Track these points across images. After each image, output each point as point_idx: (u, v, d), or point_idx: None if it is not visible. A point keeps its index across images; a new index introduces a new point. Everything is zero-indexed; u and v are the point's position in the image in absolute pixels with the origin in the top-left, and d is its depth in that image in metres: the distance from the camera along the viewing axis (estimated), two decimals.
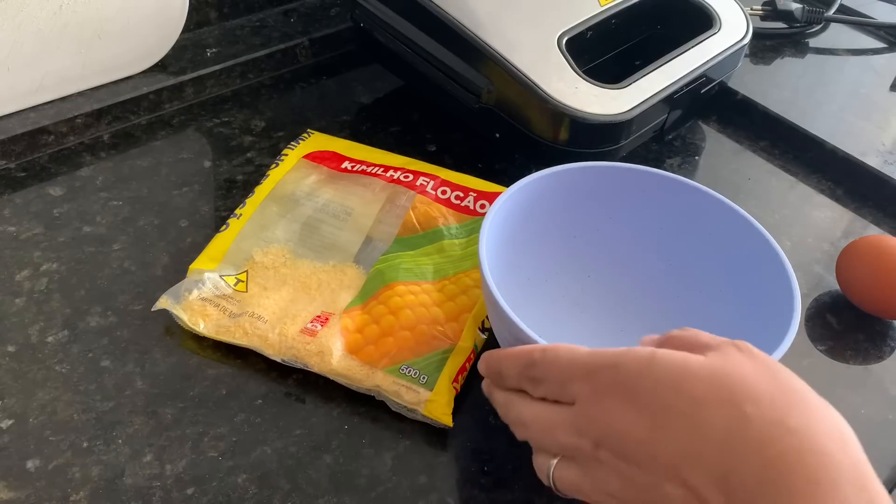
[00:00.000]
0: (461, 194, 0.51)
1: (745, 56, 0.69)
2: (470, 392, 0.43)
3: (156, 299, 0.45)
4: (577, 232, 0.47)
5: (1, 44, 0.52)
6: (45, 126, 0.55)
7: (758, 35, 0.73)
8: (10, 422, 0.40)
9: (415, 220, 0.49)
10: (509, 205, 0.43)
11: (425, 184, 0.51)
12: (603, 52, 0.58)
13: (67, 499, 0.37)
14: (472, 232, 0.49)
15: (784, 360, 0.47)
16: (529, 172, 0.46)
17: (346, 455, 0.40)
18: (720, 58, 0.57)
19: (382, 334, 0.43)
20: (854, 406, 0.45)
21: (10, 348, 0.43)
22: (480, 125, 0.56)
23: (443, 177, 0.52)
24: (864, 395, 0.45)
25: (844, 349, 0.48)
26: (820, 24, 0.76)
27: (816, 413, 0.28)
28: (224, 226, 0.49)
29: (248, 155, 0.57)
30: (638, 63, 0.54)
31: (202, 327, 0.43)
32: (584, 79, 0.51)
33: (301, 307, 0.44)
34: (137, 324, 0.45)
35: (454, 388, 0.41)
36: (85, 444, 0.39)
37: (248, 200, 0.51)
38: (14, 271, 0.47)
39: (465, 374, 0.43)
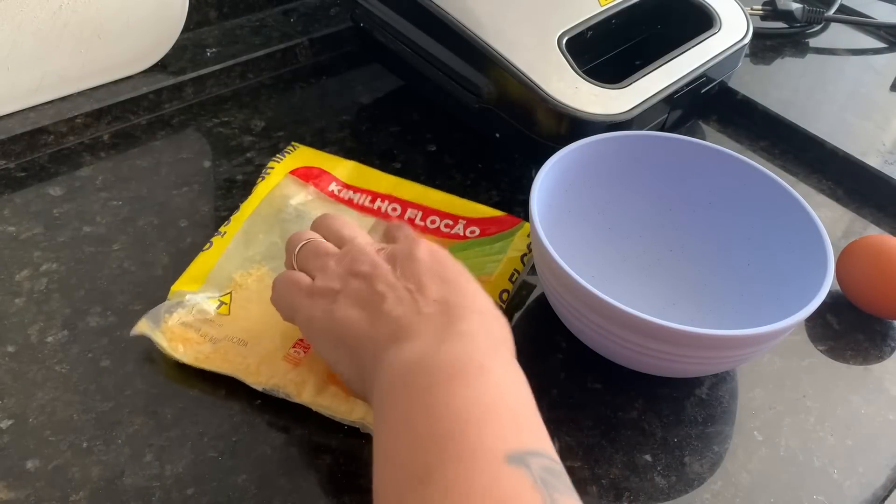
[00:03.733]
0: (450, 222, 0.50)
1: (745, 56, 0.69)
2: None
3: (156, 299, 0.45)
4: (614, 199, 0.50)
5: (1, 44, 0.52)
6: (44, 126, 0.55)
7: (758, 35, 0.73)
8: (10, 422, 0.40)
9: None
10: (559, 167, 0.46)
11: (413, 216, 0.50)
12: (603, 52, 0.58)
13: (67, 499, 0.37)
14: (459, 249, 0.48)
15: (784, 361, 0.47)
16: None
17: (346, 455, 0.40)
18: (720, 58, 0.57)
19: None
20: (854, 406, 0.45)
21: (10, 348, 0.43)
22: (480, 125, 0.56)
23: (430, 205, 0.51)
24: (864, 395, 0.45)
25: (844, 349, 0.48)
26: (820, 24, 0.76)
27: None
28: (207, 244, 0.47)
29: (248, 155, 0.57)
30: (638, 63, 0.54)
31: (181, 353, 0.42)
32: (584, 79, 0.51)
33: (284, 330, 0.43)
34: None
35: None
36: (85, 444, 0.39)
37: (233, 217, 0.49)
38: (14, 271, 0.47)
39: None
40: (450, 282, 0.37)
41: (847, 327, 0.49)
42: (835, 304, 0.50)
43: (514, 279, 0.47)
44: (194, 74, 0.61)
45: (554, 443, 0.41)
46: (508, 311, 0.47)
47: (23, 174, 0.54)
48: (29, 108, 0.56)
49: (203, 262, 0.46)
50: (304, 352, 0.42)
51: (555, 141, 0.50)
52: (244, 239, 0.48)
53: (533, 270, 0.49)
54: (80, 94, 0.58)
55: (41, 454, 0.39)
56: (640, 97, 0.52)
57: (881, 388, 0.46)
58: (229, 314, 0.44)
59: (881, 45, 0.75)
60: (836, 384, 0.46)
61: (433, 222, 0.50)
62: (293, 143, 0.55)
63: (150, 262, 0.48)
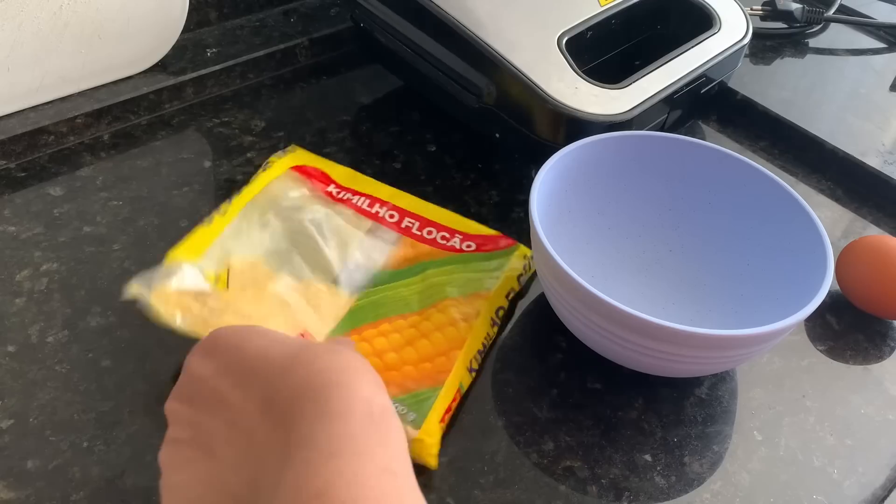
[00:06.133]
0: (447, 235, 0.49)
1: (745, 56, 0.70)
2: (470, 393, 0.43)
3: None
4: (614, 199, 0.50)
5: (1, 44, 0.52)
6: (45, 126, 0.55)
7: (758, 35, 0.73)
8: (10, 422, 0.40)
9: (399, 257, 0.48)
10: (559, 166, 0.46)
11: (410, 225, 0.50)
12: (603, 52, 0.58)
13: (67, 499, 0.37)
14: (457, 262, 0.48)
15: (784, 361, 0.47)
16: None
17: None
18: (720, 58, 0.57)
19: None
20: (854, 406, 0.45)
21: (10, 348, 0.43)
22: (480, 125, 0.56)
23: (427, 216, 0.50)
24: (864, 395, 0.45)
25: (844, 349, 0.48)
26: (820, 24, 0.76)
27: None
28: (208, 220, 0.47)
29: (248, 155, 0.57)
30: (638, 63, 0.54)
31: (179, 321, 0.41)
32: (584, 79, 0.51)
33: (283, 320, 0.43)
34: (137, 324, 0.44)
35: (441, 427, 0.40)
36: (85, 444, 0.39)
37: (234, 199, 0.49)
38: (14, 271, 0.47)
39: (451, 413, 0.41)
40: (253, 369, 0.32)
41: (847, 327, 0.49)
42: (834, 304, 0.50)
43: (509, 296, 0.47)
44: (194, 74, 0.61)
45: (554, 442, 0.41)
46: (506, 317, 0.47)
47: (23, 174, 0.54)
48: (29, 108, 0.56)
49: (202, 236, 0.46)
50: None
51: (555, 141, 0.50)
52: (243, 224, 0.48)
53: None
54: (80, 94, 0.58)
55: (41, 454, 0.39)
56: (639, 97, 0.52)
57: (881, 388, 0.46)
58: (227, 288, 0.44)
59: (881, 45, 0.75)
60: (835, 384, 0.46)
61: (430, 233, 0.50)
62: (292, 144, 0.55)
63: (151, 263, 0.48)
